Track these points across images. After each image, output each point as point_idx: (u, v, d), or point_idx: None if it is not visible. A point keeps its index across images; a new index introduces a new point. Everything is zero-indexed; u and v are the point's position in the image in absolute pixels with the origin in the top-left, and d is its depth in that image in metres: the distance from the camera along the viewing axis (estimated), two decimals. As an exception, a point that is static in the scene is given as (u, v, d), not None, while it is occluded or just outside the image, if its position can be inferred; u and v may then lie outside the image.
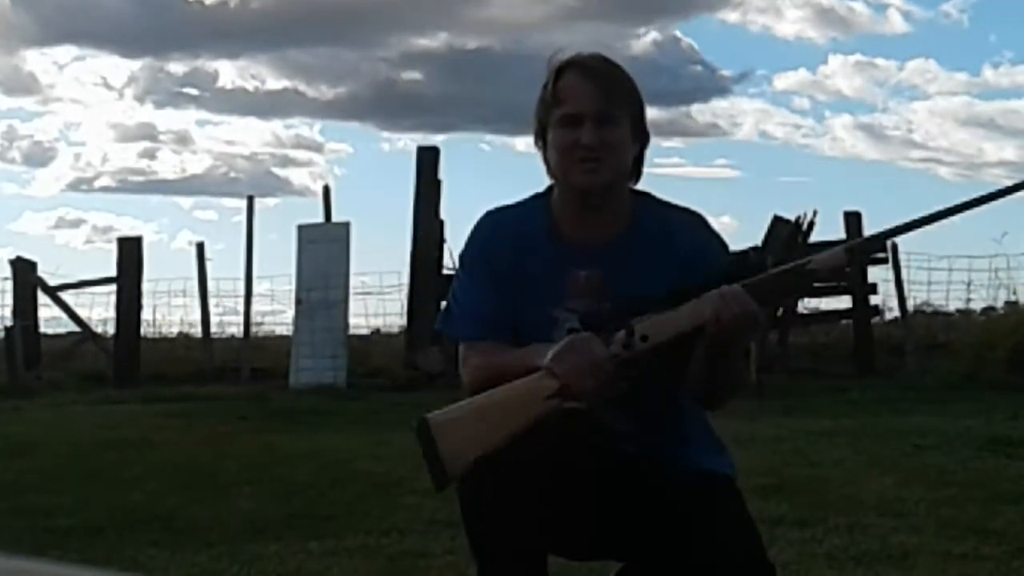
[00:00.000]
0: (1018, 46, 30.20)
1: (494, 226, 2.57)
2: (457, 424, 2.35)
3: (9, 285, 14.83)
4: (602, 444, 2.45)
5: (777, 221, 12.87)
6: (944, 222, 2.45)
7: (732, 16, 33.29)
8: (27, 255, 15.01)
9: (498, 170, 29.61)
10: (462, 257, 2.62)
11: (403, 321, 13.75)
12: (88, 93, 33.24)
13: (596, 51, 2.56)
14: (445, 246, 13.16)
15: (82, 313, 15.22)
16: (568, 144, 2.47)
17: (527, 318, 2.50)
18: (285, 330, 14.99)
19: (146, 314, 14.90)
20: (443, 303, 2.81)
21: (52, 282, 15.03)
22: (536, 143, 2.56)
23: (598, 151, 2.46)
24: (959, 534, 4.35)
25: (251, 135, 39.07)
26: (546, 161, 2.54)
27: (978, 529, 4.42)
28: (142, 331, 14.62)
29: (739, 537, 2.41)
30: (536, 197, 2.58)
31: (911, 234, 2.42)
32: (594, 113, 2.46)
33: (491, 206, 2.61)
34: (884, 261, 13.46)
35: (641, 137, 2.54)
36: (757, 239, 12.85)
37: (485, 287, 2.52)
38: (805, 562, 3.96)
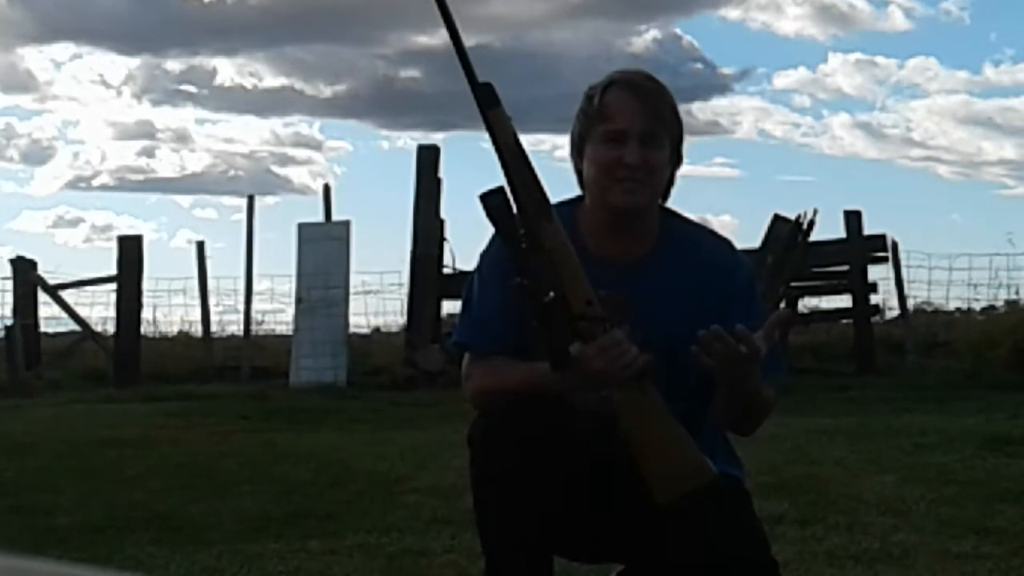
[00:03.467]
0: (1019, 44, 30.21)
1: None
2: None
3: (9, 284, 14.84)
4: (615, 449, 2.45)
5: (777, 220, 12.86)
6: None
7: (733, 13, 33.28)
8: (26, 254, 15.05)
9: (498, 168, 29.52)
10: (482, 263, 2.58)
11: (403, 320, 13.75)
12: (86, 91, 33.18)
13: (640, 69, 2.54)
14: (445, 245, 13.18)
15: (82, 312, 15.25)
16: (610, 162, 2.45)
17: None
18: (285, 329, 15.01)
19: (146, 313, 14.92)
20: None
21: (52, 281, 15.04)
22: (571, 154, 2.52)
23: (640, 172, 2.44)
24: (959, 533, 4.35)
25: (250, 133, 39.06)
26: (579, 173, 2.52)
27: (978, 528, 4.42)
28: (142, 330, 14.62)
29: (739, 533, 2.42)
30: (563, 205, 2.52)
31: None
32: (640, 132, 2.44)
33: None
34: (885, 260, 13.47)
35: (676, 159, 2.53)
36: (757, 238, 12.86)
37: (502, 298, 2.47)
38: (805, 561, 3.96)
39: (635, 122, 2.44)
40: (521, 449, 2.35)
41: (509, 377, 2.46)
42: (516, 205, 2.36)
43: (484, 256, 2.57)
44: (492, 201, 2.36)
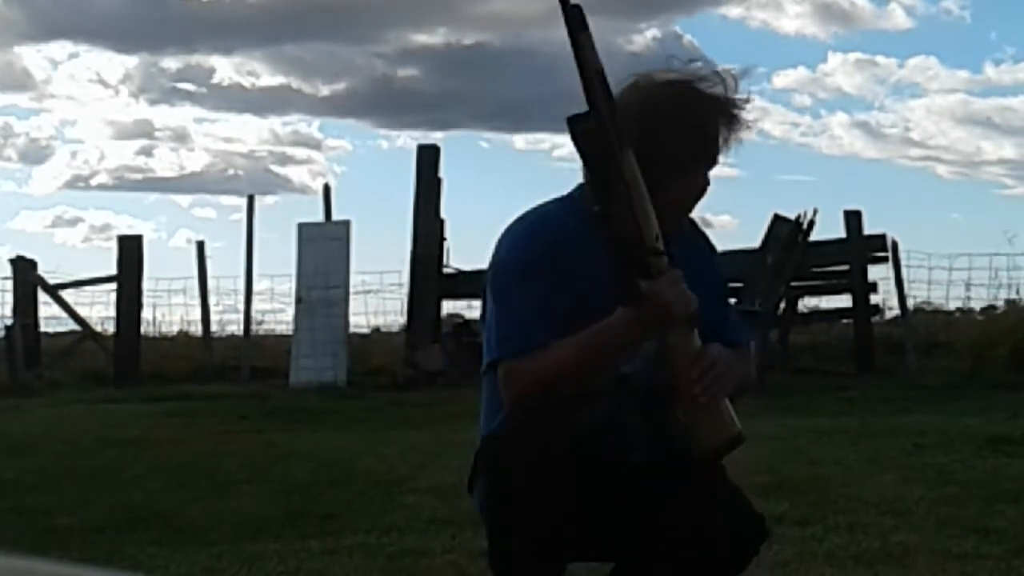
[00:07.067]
0: (1019, 43, 30.19)
1: (555, 225, 2.43)
2: None
3: (9, 284, 14.84)
4: (615, 451, 2.45)
5: (777, 220, 12.86)
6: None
7: (734, 12, 33.27)
8: (26, 254, 15.04)
9: (496, 168, 29.59)
10: (509, 268, 2.44)
11: (403, 319, 13.76)
12: (83, 90, 33.19)
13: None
14: (445, 244, 13.18)
15: (82, 312, 15.25)
16: (705, 187, 2.50)
17: (585, 319, 2.36)
18: (285, 329, 15.01)
19: (146, 313, 14.93)
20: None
21: (52, 281, 15.04)
22: (674, 171, 2.41)
23: None
24: (959, 533, 4.35)
25: (248, 132, 38.96)
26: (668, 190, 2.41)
27: (978, 528, 4.42)
28: (142, 330, 14.62)
29: (722, 495, 2.44)
30: (560, 202, 2.49)
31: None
32: None
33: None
34: (884, 260, 13.47)
35: None
36: (757, 238, 12.86)
37: (535, 298, 2.38)
38: (805, 561, 3.96)
39: None
40: (529, 472, 2.31)
41: (563, 353, 2.35)
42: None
43: (508, 262, 2.45)
44: (580, 126, 2.27)
